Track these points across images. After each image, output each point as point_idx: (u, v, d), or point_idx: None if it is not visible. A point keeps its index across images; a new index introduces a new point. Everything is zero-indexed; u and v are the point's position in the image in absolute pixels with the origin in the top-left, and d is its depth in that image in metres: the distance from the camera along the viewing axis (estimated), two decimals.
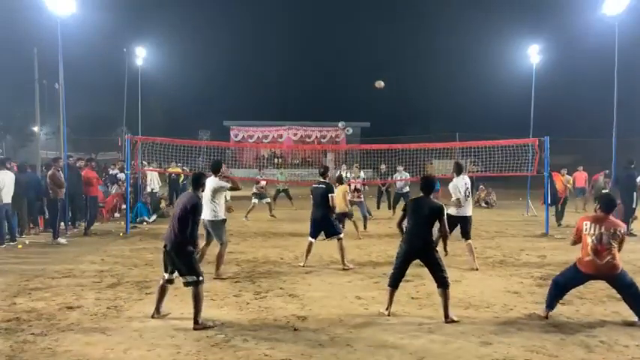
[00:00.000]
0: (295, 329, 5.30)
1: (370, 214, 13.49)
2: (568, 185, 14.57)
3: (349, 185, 12.37)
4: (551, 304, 5.74)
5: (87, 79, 37.32)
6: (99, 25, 33.08)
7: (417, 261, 5.88)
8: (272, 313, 5.84)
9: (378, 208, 16.66)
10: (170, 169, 17.33)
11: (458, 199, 8.28)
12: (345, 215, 10.66)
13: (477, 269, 8.03)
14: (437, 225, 5.90)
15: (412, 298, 6.48)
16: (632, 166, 12.13)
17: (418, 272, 6.79)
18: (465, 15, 66.04)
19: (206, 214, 7.26)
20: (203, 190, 6.20)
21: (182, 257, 5.42)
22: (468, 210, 8.37)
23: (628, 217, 11.59)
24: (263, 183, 15.35)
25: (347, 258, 8.26)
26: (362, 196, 12.90)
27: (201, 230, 5.87)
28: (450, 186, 8.50)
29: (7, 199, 10.06)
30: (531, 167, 13.42)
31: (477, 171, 17.10)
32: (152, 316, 5.57)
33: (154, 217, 14.43)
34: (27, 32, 29.69)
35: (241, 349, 4.74)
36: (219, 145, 18.85)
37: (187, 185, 17.07)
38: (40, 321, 5.47)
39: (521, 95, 21.34)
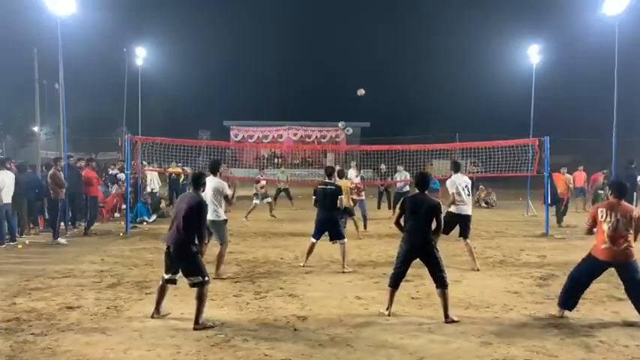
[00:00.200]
0: (295, 329, 5.30)
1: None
2: (570, 185, 14.51)
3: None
4: (566, 302, 5.68)
5: (87, 79, 37.33)
6: (99, 25, 33.09)
7: (418, 261, 5.87)
8: (272, 313, 5.84)
9: (379, 207, 16.66)
10: (170, 169, 17.34)
11: (453, 194, 8.22)
12: (347, 211, 10.54)
13: (477, 270, 8.03)
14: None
15: (412, 298, 6.48)
16: (633, 165, 12.14)
17: (418, 272, 6.78)
18: (465, 15, 66.01)
19: (208, 214, 7.25)
20: (203, 190, 6.19)
21: (186, 258, 5.40)
22: (468, 209, 8.34)
23: None
24: (263, 182, 15.31)
25: (346, 258, 8.24)
26: (363, 194, 12.84)
27: None
28: (448, 182, 8.50)
29: (7, 199, 10.06)
30: (531, 167, 13.42)
31: (477, 171, 17.11)
32: (152, 316, 5.56)
33: (153, 217, 14.43)
34: (27, 32, 29.71)
35: (241, 349, 4.74)
36: (219, 145, 18.86)
37: (187, 185, 17.11)
38: (40, 321, 5.47)
39: (521, 95, 21.37)
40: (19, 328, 5.23)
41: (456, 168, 8.61)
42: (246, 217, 14.34)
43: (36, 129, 30.20)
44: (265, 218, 14.60)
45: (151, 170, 16.08)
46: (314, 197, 8.35)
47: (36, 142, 29.72)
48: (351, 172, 14.02)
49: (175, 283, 5.65)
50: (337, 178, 9.37)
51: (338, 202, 8.10)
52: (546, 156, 12.11)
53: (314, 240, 8.27)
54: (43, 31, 19.44)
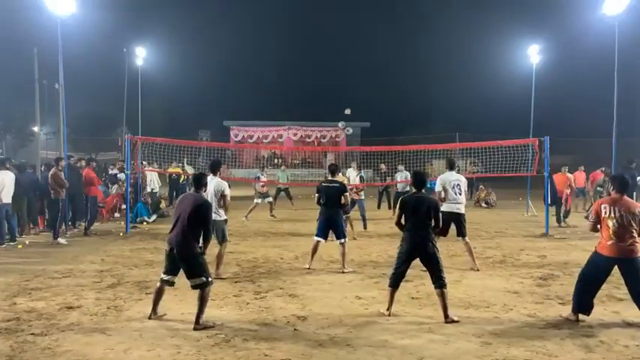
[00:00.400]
0: (295, 329, 5.30)
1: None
2: (572, 185, 14.42)
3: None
4: (579, 305, 5.57)
5: (87, 79, 37.33)
6: (99, 25, 33.10)
7: (418, 262, 5.87)
8: (272, 313, 5.83)
9: (379, 207, 16.66)
10: (170, 169, 17.34)
11: (439, 193, 8.20)
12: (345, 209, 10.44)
13: (477, 270, 8.02)
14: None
15: (412, 298, 6.48)
16: (633, 165, 12.14)
17: (418, 272, 6.79)
18: (465, 15, 66.06)
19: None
20: (205, 190, 6.19)
21: (190, 259, 5.38)
22: (461, 207, 8.28)
23: None
24: (264, 180, 15.28)
25: (346, 258, 8.23)
26: (362, 194, 12.82)
27: None
28: (437, 180, 8.50)
29: (7, 199, 10.07)
30: (531, 167, 13.42)
31: (477, 171, 17.11)
32: (149, 317, 5.56)
33: (154, 217, 14.44)
34: (27, 32, 29.65)
35: (241, 349, 4.74)
36: (219, 146, 18.86)
37: (187, 185, 17.12)
38: (40, 321, 5.47)
39: (521, 95, 21.38)
40: (19, 328, 5.23)
41: (449, 166, 8.59)
42: (246, 216, 14.33)
43: (36, 129, 30.18)
44: (265, 218, 14.60)
45: (151, 170, 16.09)
46: (317, 195, 8.22)
47: (36, 142, 29.69)
48: (351, 172, 13.98)
49: (173, 285, 5.64)
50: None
51: (343, 199, 8.08)
52: (546, 156, 12.11)
53: (318, 239, 8.11)
54: (43, 31, 19.43)
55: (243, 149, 31.26)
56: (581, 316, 5.60)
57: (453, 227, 8.22)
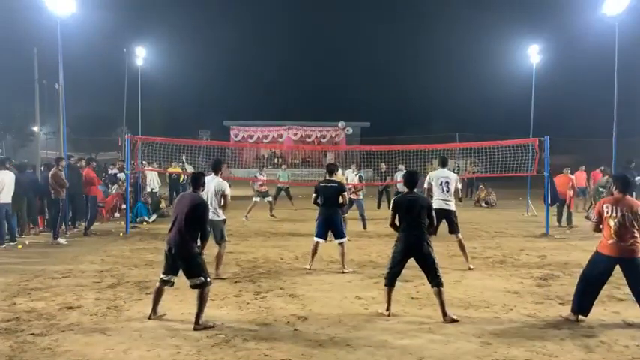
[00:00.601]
0: (295, 329, 5.30)
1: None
2: (575, 187, 14.33)
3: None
4: (580, 305, 5.57)
5: (87, 79, 37.35)
6: (99, 25, 33.12)
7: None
8: (272, 313, 5.83)
9: (379, 207, 16.66)
10: (170, 169, 17.34)
11: (426, 190, 8.23)
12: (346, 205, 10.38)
13: (470, 269, 8.00)
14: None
15: (412, 298, 6.48)
16: (632, 166, 12.15)
17: (418, 272, 6.76)
18: (465, 15, 66.11)
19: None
20: (203, 190, 6.19)
21: (189, 258, 5.39)
22: (450, 204, 8.28)
23: None
24: (261, 179, 15.27)
25: (346, 258, 8.22)
26: (361, 194, 12.81)
27: None
28: (427, 175, 8.51)
29: (7, 199, 10.06)
30: (531, 167, 13.42)
31: (477, 171, 17.11)
32: (149, 317, 5.56)
33: (154, 217, 14.44)
34: (27, 32, 29.68)
35: (241, 349, 4.74)
36: (219, 145, 18.87)
37: (187, 185, 17.12)
38: (40, 321, 5.47)
39: (521, 95, 21.40)
40: (19, 328, 5.23)
41: (442, 163, 8.64)
42: (245, 216, 14.33)
43: (36, 129, 30.20)
44: (265, 218, 14.60)
45: (151, 170, 16.09)
46: (314, 195, 8.22)
47: (36, 142, 29.70)
48: (349, 173, 13.97)
49: (172, 285, 5.64)
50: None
51: (341, 198, 8.09)
52: (546, 156, 12.11)
53: (318, 239, 8.11)
54: (43, 31, 19.45)
55: (243, 149, 31.24)
56: (580, 317, 5.60)
57: (446, 226, 8.22)
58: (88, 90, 38.38)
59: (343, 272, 7.91)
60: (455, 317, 5.57)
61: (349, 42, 71.74)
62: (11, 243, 10.18)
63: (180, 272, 5.51)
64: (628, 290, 5.73)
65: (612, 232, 5.41)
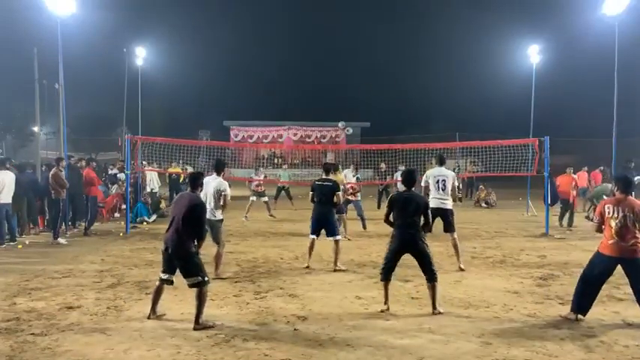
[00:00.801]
0: (295, 329, 5.30)
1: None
2: (578, 186, 14.26)
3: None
4: (579, 305, 5.59)
5: (87, 79, 37.34)
6: (99, 25, 33.12)
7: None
8: (272, 313, 5.83)
9: (379, 207, 16.64)
10: (170, 169, 17.34)
11: (423, 188, 8.22)
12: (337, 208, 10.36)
13: (461, 269, 7.97)
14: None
15: (412, 298, 6.48)
16: (631, 165, 12.15)
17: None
18: (465, 15, 66.09)
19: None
20: (201, 191, 6.19)
21: (185, 258, 5.39)
22: (446, 202, 8.23)
23: None
24: (257, 179, 15.27)
25: (346, 258, 8.24)
26: (359, 195, 12.80)
27: None
28: (425, 174, 8.51)
29: (7, 199, 10.06)
30: (531, 167, 13.41)
31: (477, 171, 17.10)
32: (148, 317, 5.56)
33: (154, 217, 14.44)
34: (27, 32, 29.67)
35: (241, 349, 4.74)
36: (220, 145, 18.86)
37: (187, 185, 17.10)
38: (40, 321, 5.47)
39: (521, 95, 21.39)
40: (19, 328, 5.23)
41: (439, 162, 8.62)
42: (245, 216, 14.33)
43: (36, 129, 30.18)
44: (265, 218, 14.60)
45: (151, 170, 16.08)
46: (311, 193, 8.31)
47: (36, 142, 29.68)
48: (348, 172, 13.97)
49: (172, 284, 5.64)
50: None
51: (335, 197, 8.12)
52: (546, 156, 12.11)
53: (313, 237, 8.24)
54: (43, 31, 19.44)
55: (243, 149, 31.24)
56: (579, 316, 5.61)
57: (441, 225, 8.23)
58: (88, 90, 38.41)
59: (335, 270, 7.94)
60: (442, 310, 5.77)
61: (349, 42, 71.76)
62: (11, 243, 10.18)
63: (179, 272, 5.51)
64: (628, 290, 5.73)
65: (614, 232, 5.41)
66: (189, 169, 17.04)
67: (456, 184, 8.67)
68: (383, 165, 16.62)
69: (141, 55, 23.82)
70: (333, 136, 37.09)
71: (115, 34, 39.22)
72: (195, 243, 5.49)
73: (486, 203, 18.87)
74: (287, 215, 15.45)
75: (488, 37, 53.56)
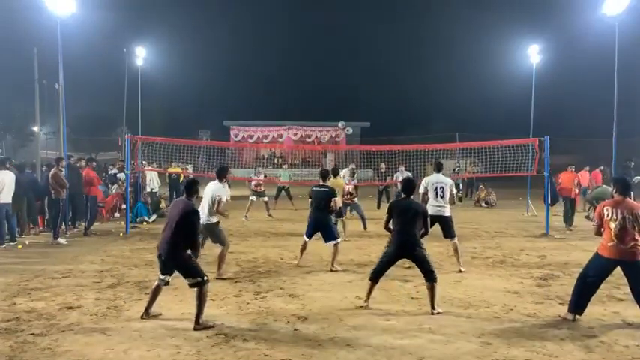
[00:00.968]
0: (295, 329, 5.30)
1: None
2: (580, 184, 14.18)
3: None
4: (576, 303, 5.60)
5: (87, 79, 37.32)
6: (99, 25, 33.09)
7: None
8: (272, 313, 5.84)
9: (379, 207, 16.65)
10: (170, 169, 17.33)
11: (422, 195, 8.21)
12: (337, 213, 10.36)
13: (461, 271, 7.95)
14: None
15: (412, 298, 6.49)
16: (631, 165, 12.13)
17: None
18: (465, 15, 66.06)
19: (201, 219, 7.23)
20: (196, 197, 6.17)
21: (180, 262, 5.40)
22: (444, 210, 8.17)
23: None
24: (256, 179, 15.28)
25: (346, 258, 8.24)
26: (356, 200, 12.80)
27: None
28: (422, 181, 8.51)
29: (7, 199, 10.06)
30: (531, 167, 13.41)
31: (477, 171, 17.09)
32: (141, 317, 5.54)
33: (154, 217, 14.43)
34: (27, 32, 29.65)
35: (241, 349, 4.74)
36: (219, 145, 18.85)
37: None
38: (40, 321, 5.47)
39: (521, 95, 21.38)
40: (19, 328, 5.23)
41: (437, 168, 8.62)
42: (245, 216, 14.33)
43: (36, 129, 30.17)
44: (265, 218, 14.61)
45: (151, 170, 16.08)
46: (309, 200, 8.47)
47: (36, 142, 29.67)
48: (346, 171, 13.97)
49: (168, 284, 5.65)
50: (332, 176, 9.26)
51: (332, 204, 8.14)
52: (546, 156, 12.10)
53: (306, 239, 8.39)
54: (43, 31, 19.43)
55: (243, 149, 31.23)
56: (576, 316, 5.62)
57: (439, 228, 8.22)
58: (88, 90, 38.39)
59: (331, 270, 8.00)
60: (440, 310, 5.81)
61: (349, 42, 71.78)
62: (11, 243, 10.18)
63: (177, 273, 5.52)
64: (628, 290, 5.73)
65: (613, 234, 5.41)
66: (190, 169, 17.06)
67: (454, 192, 8.65)
68: (383, 165, 16.61)
69: (141, 55, 23.81)
70: (333, 136, 37.07)
71: (115, 34, 39.24)
72: (189, 251, 5.48)
73: (486, 203, 18.86)
74: (287, 215, 15.45)
75: (488, 37, 53.59)
